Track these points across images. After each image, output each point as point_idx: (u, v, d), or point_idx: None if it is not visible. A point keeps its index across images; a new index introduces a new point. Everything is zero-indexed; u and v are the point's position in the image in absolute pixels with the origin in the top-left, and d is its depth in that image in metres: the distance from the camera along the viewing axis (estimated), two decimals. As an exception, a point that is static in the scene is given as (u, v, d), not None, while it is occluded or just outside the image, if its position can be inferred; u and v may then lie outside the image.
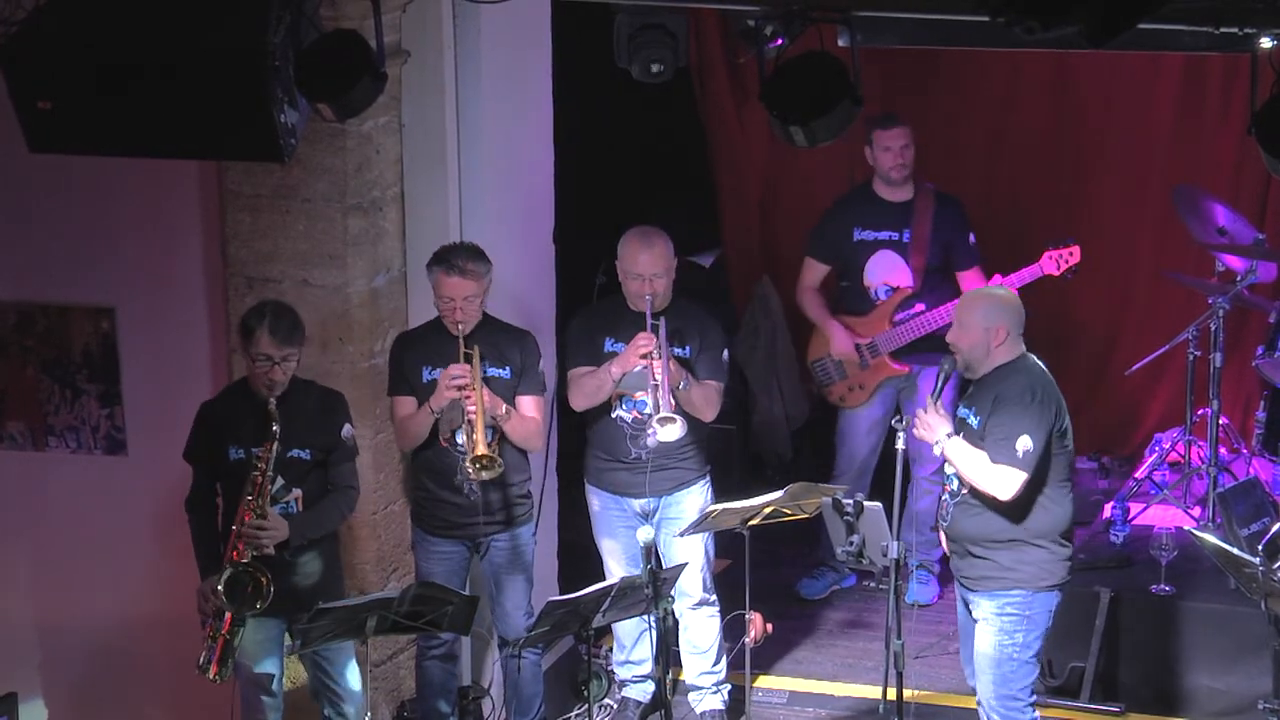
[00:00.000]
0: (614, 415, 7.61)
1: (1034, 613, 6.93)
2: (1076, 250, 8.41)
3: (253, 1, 5.94)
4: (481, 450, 7.09)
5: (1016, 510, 6.86)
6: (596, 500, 7.83)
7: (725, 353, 7.70)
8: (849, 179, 9.89)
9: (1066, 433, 6.94)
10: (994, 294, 7.18)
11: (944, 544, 7.19)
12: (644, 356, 7.35)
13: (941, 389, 6.97)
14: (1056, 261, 8.38)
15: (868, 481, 8.71)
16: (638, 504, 7.70)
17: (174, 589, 7.35)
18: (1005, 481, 6.80)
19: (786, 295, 10.14)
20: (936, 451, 6.98)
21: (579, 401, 7.63)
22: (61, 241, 7.89)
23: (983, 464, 6.82)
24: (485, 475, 7.16)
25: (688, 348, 7.60)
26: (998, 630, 6.96)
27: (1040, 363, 7.02)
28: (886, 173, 8.60)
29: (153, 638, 7.99)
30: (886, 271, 8.64)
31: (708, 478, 7.82)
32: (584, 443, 7.86)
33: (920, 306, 8.56)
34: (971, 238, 8.60)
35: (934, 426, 6.92)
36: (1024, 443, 6.76)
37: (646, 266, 7.50)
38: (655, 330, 7.39)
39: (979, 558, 6.96)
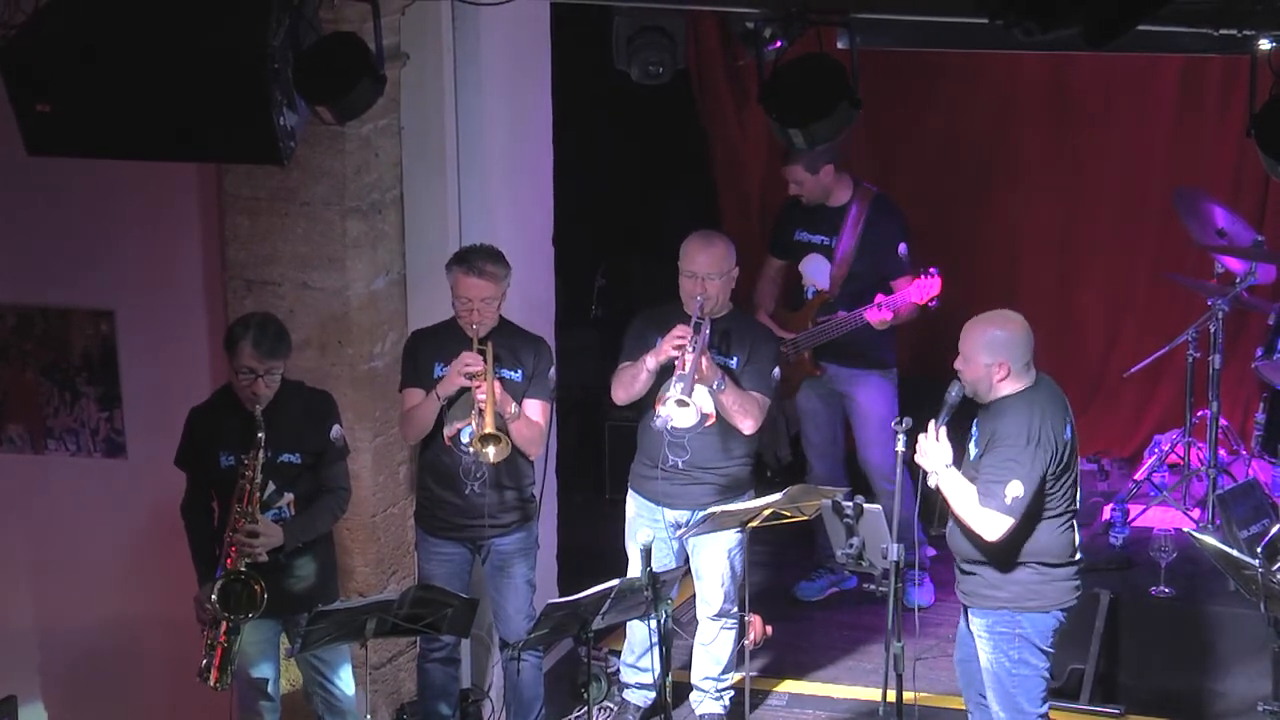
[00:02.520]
0: (654, 422, 7.58)
1: (1024, 631, 6.84)
2: (936, 282, 8.36)
3: (252, 4, 5.93)
4: (490, 428, 7.09)
5: (995, 546, 6.75)
6: (633, 505, 7.80)
7: (776, 371, 7.65)
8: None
9: (1068, 469, 6.79)
10: (997, 326, 6.80)
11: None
12: (678, 349, 7.33)
13: (946, 415, 6.80)
14: (921, 290, 8.36)
15: (840, 475, 8.74)
16: (672, 514, 7.67)
17: (173, 591, 7.35)
18: (991, 525, 6.68)
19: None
20: (932, 483, 6.83)
21: (618, 393, 7.62)
22: (61, 244, 7.89)
23: (971, 503, 6.70)
24: (492, 453, 7.14)
25: (735, 358, 7.56)
26: (993, 647, 6.91)
27: (1052, 387, 6.86)
28: None
29: (152, 640, 7.99)
30: (814, 274, 8.75)
31: (749, 495, 7.69)
32: (635, 448, 7.84)
33: (840, 313, 8.61)
34: (902, 248, 8.55)
35: (931, 455, 6.78)
36: (1014, 489, 6.63)
37: (702, 266, 7.47)
38: (698, 328, 7.37)
39: (968, 573, 6.92)
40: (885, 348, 8.70)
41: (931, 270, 8.30)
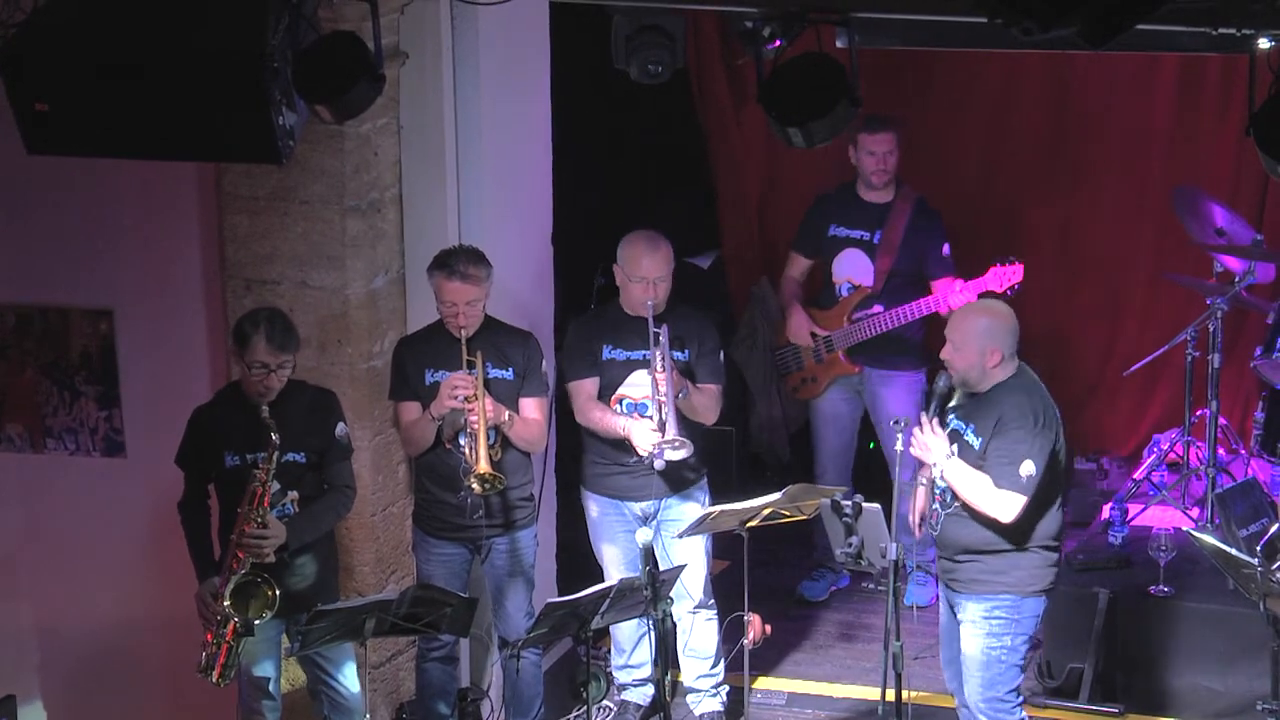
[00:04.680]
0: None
1: (1021, 617, 6.93)
2: (1020, 269, 8.38)
3: (251, 3, 5.94)
4: (485, 467, 7.09)
5: (1011, 525, 6.84)
6: (595, 506, 7.80)
7: (721, 354, 7.70)
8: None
9: (1061, 450, 6.92)
10: (988, 313, 6.96)
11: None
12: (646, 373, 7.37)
13: (936, 406, 6.89)
14: (1000, 279, 8.37)
15: (847, 479, 8.72)
16: (638, 507, 7.69)
17: (173, 590, 7.35)
18: (1007, 506, 6.77)
19: (784, 296, 10.16)
20: (935, 474, 6.90)
21: (584, 422, 7.62)
22: (60, 244, 7.89)
23: (985, 487, 6.79)
24: (490, 491, 7.17)
25: (687, 351, 7.60)
26: (985, 634, 6.95)
27: (1034, 375, 6.97)
28: (867, 176, 8.64)
29: (152, 639, 7.99)
30: (851, 269, 8.70)
31: (704, 480, 7.81)
32: (580, 448, 7.84)
33: (878, 308, 8.59)
34: (946, 249, 8.59)
35: (932, 447, 6.85)
36: (1027, 468, 6.74)
37: (651, 270, 7.47)
38: (658, 339, 7.37)
39: (969, 562, 6.95)
40: (918, 348, 8.66)
41: (1013, 260, 8.31)
